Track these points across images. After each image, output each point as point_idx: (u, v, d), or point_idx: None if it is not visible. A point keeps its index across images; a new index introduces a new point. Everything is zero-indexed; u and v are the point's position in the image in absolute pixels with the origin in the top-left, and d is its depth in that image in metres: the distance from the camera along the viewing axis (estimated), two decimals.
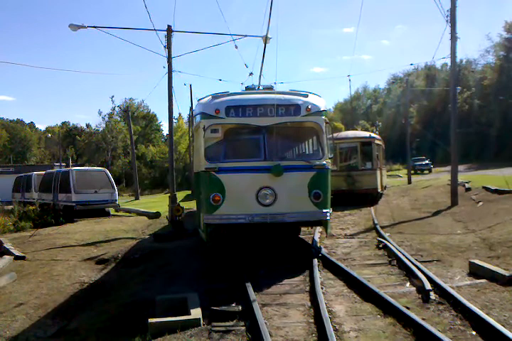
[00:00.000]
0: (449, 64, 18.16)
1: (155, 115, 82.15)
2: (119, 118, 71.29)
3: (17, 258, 12.27)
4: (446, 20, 16.87)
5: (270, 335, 5.10)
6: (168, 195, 17.55)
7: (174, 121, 44.87)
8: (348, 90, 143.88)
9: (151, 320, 6.03)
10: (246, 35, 16.88)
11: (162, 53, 16.99)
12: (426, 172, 43.73)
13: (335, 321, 5.60)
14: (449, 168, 19.10)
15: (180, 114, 64.85)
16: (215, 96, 9.28)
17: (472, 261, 7.79)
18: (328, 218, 9.03)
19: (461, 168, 23.38)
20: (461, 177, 20.37)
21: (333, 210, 17.66)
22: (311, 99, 9.26)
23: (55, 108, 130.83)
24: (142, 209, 23.41)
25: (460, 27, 16.30)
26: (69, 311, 8.25)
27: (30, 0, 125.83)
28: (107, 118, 72.52)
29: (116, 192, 23.72)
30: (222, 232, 9.41)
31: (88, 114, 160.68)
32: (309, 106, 8.95)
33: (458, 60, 21.72)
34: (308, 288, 7.12)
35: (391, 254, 9.03)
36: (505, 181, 17.67)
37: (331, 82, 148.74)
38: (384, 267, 8.37)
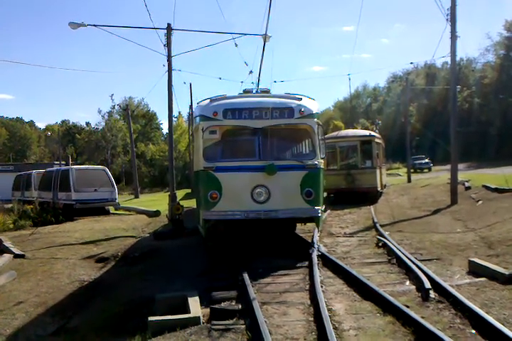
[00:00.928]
0: (449, 62, 18.16)
1: (155, 113, 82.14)
2: (118, 117, 71.27)
3: (17, 256, 12.27)
4: (447, 19, 16.87)
5: (270, 333, 5.10)
6: (168, 193, 17.55)
7: (174, 119, 44.91)
8: (348, 89, 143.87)
9: (150, 319, 6.03)
10: (246, 34, 16.88)
11: (162, 52, 16.99)
12: (426, 170, 43.71)
13: (334, 319, 5.60)
14: (448, 166, 19.11)
15: (180, 113, 64.89)
16: (213, 99, 9.74)
17: (472, 259, 7.79)
18: (319, 215, 9.44)
19: (460, 166, 23.37)
20: (461, 176, 20.39)
21: (332, 209, 17.96)
22: (305, 102, 9.69)
23: (54, 106, 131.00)
24: (142, 208, 23.42)
25: (460, 25, 16.29)
26: (69, 309, 8.25)
27: None
28: (106, 117, 72.56)
29: (116, 191, 23.72)
30: (220, 228, 9.77)
31: (88, 112, 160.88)
32: (302, 109, 9.41)
33: (458, 58, 21.75)
34: (307, 287, 7.12)
35: (391, 253, 9.04)
36: (505, 180, 17.68)
37: (330, 80, 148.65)
38: (384, 265, 8.37)
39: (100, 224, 18.44)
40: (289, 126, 9.62)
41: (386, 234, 11.25)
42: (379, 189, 21.64)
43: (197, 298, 6.65)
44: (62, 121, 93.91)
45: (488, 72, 58.80)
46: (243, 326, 5.64)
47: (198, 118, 10.04)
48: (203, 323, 5.86)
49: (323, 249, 9.57)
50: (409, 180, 30.92)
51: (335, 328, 5.24)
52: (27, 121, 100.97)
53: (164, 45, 16.80)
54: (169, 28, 16.75)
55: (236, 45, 17.24)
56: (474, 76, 60.83)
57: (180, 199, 19.33)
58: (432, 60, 67.08)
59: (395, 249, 9.02)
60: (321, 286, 6.89)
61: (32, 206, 22.69)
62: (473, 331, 5.09)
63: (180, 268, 9.17)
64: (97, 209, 22.62)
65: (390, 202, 20.30)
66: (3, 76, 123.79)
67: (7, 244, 13.76)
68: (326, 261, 8.57)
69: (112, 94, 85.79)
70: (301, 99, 9.74)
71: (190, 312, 6.05)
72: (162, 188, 51.37)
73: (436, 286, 6.50)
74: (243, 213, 9.06)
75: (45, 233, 16.78)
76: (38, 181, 27.93)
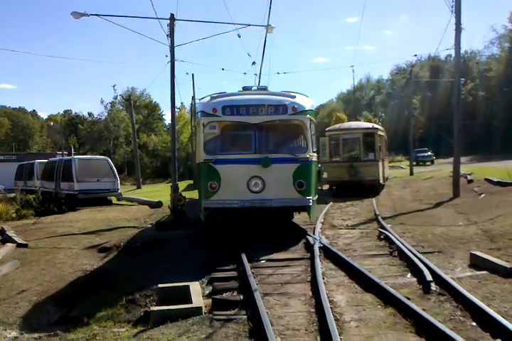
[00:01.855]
0: (454, 55, 18.06)
1: (157, 104, 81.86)
2: (121, 107, 71.15)
3: (19, 245, 12.33)
4: (451, 11, 16.71)
5: (271, 324, 5.12)
6: (170, 184, 17.56)
7: (176, 110, 44.78)
8: (351, 81, 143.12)
9: (153, 309, 6.08)
10: (249, 25, 16.79)
11: (165, 42, 16.91)
12: (428, 163, 43.62)
13: (336, 311, 5.61)
14: (451, 159, 19.06)
15: (182, 103, 64.68)
16: (213, 96, 10.50)
17: (473, 252, 7.80)
18: (310, 204, 10.10)
19: (463, 159, 23.29)
20: (463, 169, 20.32)
21: (334, 201, 17.92)
22: (298, 99, 10.34)
23: (57, 96, 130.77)
24: (144, 199, 23.46)
25: (465, 18, 16.12)
26: (71, 299, 8.30)
27: None
28: (109, 107, 72.44)
29: (118, 181, 23.75)
30: (218, 215, 10.41)
31: (90, 102, 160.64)
32: (295, 106, 10.07)
33: (462, 51, 21.59)
34: (309, 278, 7.14)
35: (392, 245, 9.04)
36: (507, 173, 17.64)
37: (334, 72, 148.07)
38: (385, 258, 8.38)
39: (103, 214, 18.49)
40: (283, 121, 10.30)
41: (388, 226, 11.26)
42: (381, 181, 21.62)
43: (199, 289, 6.69)
44: (65, 111, 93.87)
45: (492, 64, 58.38)
46: (245, 316, 5.67)
47: (199, 114, 10.77)
48: (205, 313, 5.90)
49: (325, 241, 9.59)
50: (411, 173, 30.86)
51: (336, 319, 5.26)
52: (29, 111, 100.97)
53: (167, 36, 16.74)
54: (172, 18, 16.66)
55: (239, 36, 17.33)
56: (479, 69, 60.41)
57: (183, 191, 19.37)
58: (436, 52, 66.76)
59: (396, 242, 9.02)
60: (323, 278, 6.90)
61: (34, 195, 22.76)
62: (474, 323, 5.10)
63: (183, 259, 9.21)
64: (100, 199, 22.66)
65: (392, 194, 20.29)
66: (5, 66, 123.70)
67: (10, 233, 13.81)
68: (328, 253, 8.60)
69: (115, 85, 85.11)
70: (295, 96, 10.35)
71: (192, 303, 6.08)
72: (164, 179, 51.46)
73: (438, 279, 6.50)
74: (240, 202, 9.75)
75: (48, 223, 16.84)
76: (41, 171, 27.99)
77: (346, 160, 21.18)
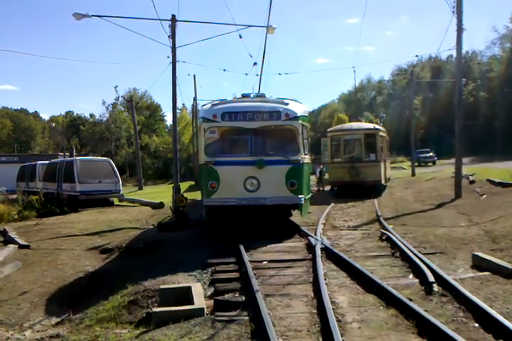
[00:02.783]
0: (455, 55, 18.04)
1: (159, 105, 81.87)
2: (122, 109, 71.20)
3: (21, 247, 12.35)
4: (453, 11, 16.71)
5: (273, 325, 5.12)
6: (172, 185, 17.57)
7: (178, 111, 44.81)
8: (352, 81, 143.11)
9: (154, 310, 6.09)
10: (250, 26, 16.87)
11: (166, 43, 16.92)
12: (430, 164, 43.56)
13: (338, 312, 5.61)
14: (453, 160, 19.04)
15: (184, 105, 64.76)
16: (214, 103, 11.54)
17: (475, 253, 7.78)
18: (302, 202, 10.92)
19: (465, 160, 23.28)
20: (465, 170, 20.31)
21: (336, 202, 17.92)
22: (291, 106, 11.18)
23: (58, 97, 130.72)
24: (146, 200, 23.47)
25: (466, 18, 16.19)
26: (73, 300, 8.32)
27: None
28: (110, 108, 72.50)
29: (120, 182, 23.79)
30: (217, 212, 11.19)
31: (92, 104, 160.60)
32: (288, 113, 10.89)
33: (464, 51, 21.56)
34: (311, 279, 7.13)
35: (394, 246, 9.02)
36: (509, 174, 17.63)
37: (335, 73, 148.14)
38: (387, 259, 8.37)
39: (104, 216, 18.52)
40: (277, 126, 11.11)
41: (390, 227, 11.25)
42: (383, 182, 21.61)
43: (201, 290, 6.69)
44: (67, 113, 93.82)
45: (494, 65, 58.27)
46: (246, 318, 5.67)
47: (201, 120, 11.74)
48: (207, 314, 5.90)
49: (327, 242, 9.59)
50: (413, 174, 30.82)
51: (338, 321, 5.26)
52: (31, 112, 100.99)
53: (169, 36, 16.73)
54: (174, 19, 16.66)
55: (240, 37, 17.38)
56: (480, 69, 60.35)
57: (184, 192, 19.35)
58: (437, 52, 66.70)
59: (398, 243, 9.01)
60: (325, 279, 6.89)
61: (36, 197, 22.77)
62: (477, 324, 5.09)
63: (184, 260, 9.20)
64: (101, 200, 22.69)
65: (394, 195, 20.28)
66: (7, 67, 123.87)
67: (12, 234, 13.83)
68: (330, 254, 8.59)
69: (116, 86, 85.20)
70: (288, 103, 11.24)
71: (194, 304, 6.08)
72: (166, 180, 51.45)
73: (440, 280, 6.49)
74: (237, 200, 10.58)
75: (50, 224, 16.86)
76: (43, 172, 28.01)
77: (348, 161, 21.18)
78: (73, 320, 7.27)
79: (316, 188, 25.67)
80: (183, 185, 22.97)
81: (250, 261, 8.01)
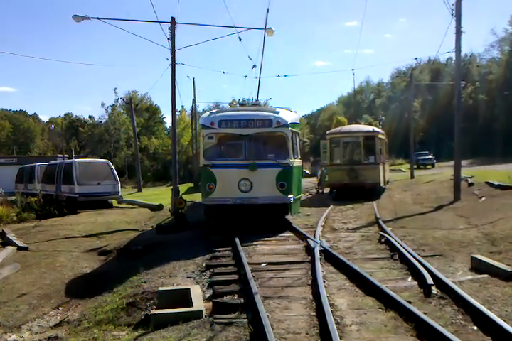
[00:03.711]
0: (454, 58, 18.08)
1: (158, 107, 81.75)
2: (122, 111, 71.18)
3: (20, 248, 12.32)
4: (452, 14, 16.73)
5: (272, 328, 5.11)
6: (171, 187, 17.55)
7: (177, 113, 44.80)
8: (351, 84, 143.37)
9: (153, 312, 6.07)
10: (249, 28, 16.85)
11: (166, 45, 16.92)
12: (429, 167, 43.57)
13: (336, 314, 5.61)
14: (452, 162, 19.05)
15: (183, 107, 64.66)
16: (212, 112, 12.93)
17: (474, 256, 7.78)
18: (291, 202, 11.83)
19: (464, 162, 23.31)
20: (464, 172, 20.32)
21: (335, 204, 17.93)
22: (282, 114, 12.17)
23: (58, 99, 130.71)
24: (145, 202, 23.45)
25: (465, 21, 16.18)
26: (71, 302, 8.30)
27: None
28: (109, 110, 72.45)
29: (119, 184, 23.76)
30: (214, 211, 11.97)
31: (91, 105, 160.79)
32: (279, 121, 11.87)
33: (463, 54, 21.67)
34: (310, 282, 7.12)
35: (393, 249, 9.02)
36: (508, 176, 17.64)
37: (334, 75, 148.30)
38: (386, 261, 8.37)
39: (103, 217, 18.50)
40: (268, 133, 12.16)
41: (388, 229, 11.24)
42: (382, 184, 21.61)
43: (199, 292, 6.68)
44: (66, 115, 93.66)
45: (493, 68, 58.46)
46: (245, 320, 5.66)
47: (200, 126, 12.97)
48: (206, 317, 5.88)
49: (326, 244, 9.58)
50: (412, 176, 30.84)
51: (337, 323, 5.25)
52: (30, 114, 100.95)
53: (168, 39, 16.72)
54: (173, 22, 16.66)
55: (240, 39, 17.33)
56: (479, 72, 60.50)
57: (183, 194, 19.34)
58: (436, 55, 66.82)
59: (397, 245, 9.01)
60: (323, 281, 6.89)
61: (35, 198, 22.74)
62: (475, 327, 5.09)
63: (183, 262, 9.19)
64: (100, 202, 22.66)
65: (393, 197, 20.28)
66: (6, 69, 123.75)
67: (10, 236, 13.81)
68: (329, 256, 8.58)
69: (116, 88, 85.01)
70: (279, 112, 12.27)
71: (192, 306, 6.07)
72: (165, 182, 51.42)
73: (439, 282, 6.49)
74: (232, 199, 11.55)
75: (49, 225, 16.83)
76: (41, 174, 27.96)
77: (347, 163, 21.18)
78: (71, 322, 7.24)
79: (315, 190, 25.67)
80: (182, 187, 22.97)
81: (249, 263, 8.00)
